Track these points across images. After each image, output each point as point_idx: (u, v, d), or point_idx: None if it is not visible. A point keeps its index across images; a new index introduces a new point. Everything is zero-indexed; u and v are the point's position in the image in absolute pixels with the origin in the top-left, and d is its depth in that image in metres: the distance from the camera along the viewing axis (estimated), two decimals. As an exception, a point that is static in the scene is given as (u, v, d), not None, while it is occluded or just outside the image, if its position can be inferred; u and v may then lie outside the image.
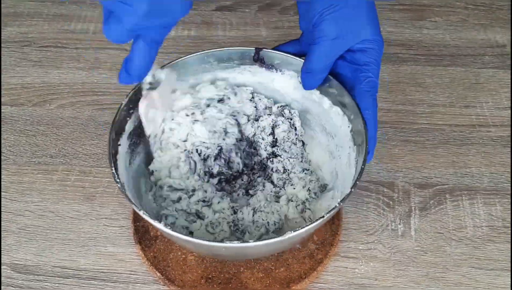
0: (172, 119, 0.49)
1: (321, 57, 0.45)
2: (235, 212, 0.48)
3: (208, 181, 0.49)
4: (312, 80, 0.46)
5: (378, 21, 0.45)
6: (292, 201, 0.49)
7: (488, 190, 0.55)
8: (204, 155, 0.49)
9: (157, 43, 0.40)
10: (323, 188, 0.51)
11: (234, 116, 0.51)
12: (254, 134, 0.51)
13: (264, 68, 0.50)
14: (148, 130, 0.47)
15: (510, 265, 0.49)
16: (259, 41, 0.69)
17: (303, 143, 0.52)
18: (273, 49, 0.50)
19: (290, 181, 0.50)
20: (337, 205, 0.40)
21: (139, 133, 0.48)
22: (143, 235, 0.51)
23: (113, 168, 0.42)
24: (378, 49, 0.45)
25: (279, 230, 0.48)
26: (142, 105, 0.46)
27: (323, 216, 0.39)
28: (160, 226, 0.39)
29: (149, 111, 0.47)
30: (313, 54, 0.45)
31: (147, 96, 0.46)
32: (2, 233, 0.52)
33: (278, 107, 0.52)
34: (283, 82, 0.51)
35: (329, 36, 0.43)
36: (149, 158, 0.50)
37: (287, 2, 0.75)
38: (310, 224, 0.39)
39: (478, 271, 0.49)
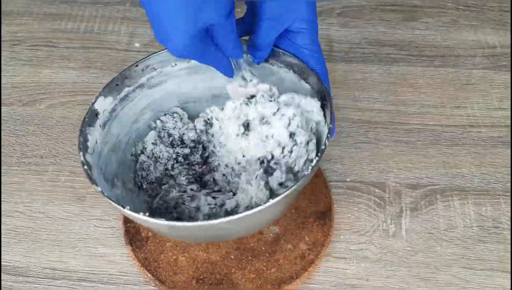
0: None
1: (264, 33, 0.47)
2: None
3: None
4: (258, 53, 0.49)
5: (315, 4, 0.48)
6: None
7: (479, 190, 0.55)
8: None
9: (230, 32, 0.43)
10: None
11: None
12: None
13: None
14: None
15: (500, 265, 0.50)
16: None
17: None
18: None
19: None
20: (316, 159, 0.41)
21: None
22: (134, 236, 0.50)
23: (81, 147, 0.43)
24: (313, 30, 0.48)
25: None
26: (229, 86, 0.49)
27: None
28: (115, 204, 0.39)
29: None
30: (257, 31, 0.47)
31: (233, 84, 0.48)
32: (-9, 234, 0.51)
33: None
34: None
35: (269, 14, 0.46)
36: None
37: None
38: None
39: (468, 271, 0.49)
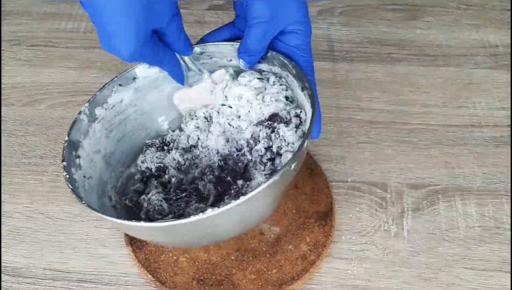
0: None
1: (256, 39, 0.46)
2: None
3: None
4: (250, 59, 0.48)
5: (306, 4, 0.47)
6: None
7: (481, 190, 0.55)
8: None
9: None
10: None
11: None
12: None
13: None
14: (184, 113, 0.52)
15: (502, 265, 0.49)
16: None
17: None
18: (205, 37, 0.50)
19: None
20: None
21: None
22: (134, 236, 0.50)
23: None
24: (307, 31, 0.46)
25: None
26: (176, 97, 0.50)
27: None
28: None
29: (182, 104, 0.51)
30: (248, 36, 0.46)
31: (182, 91, 0.49)
32: (-9, 235, 0.51)
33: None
34: None
35: (262, 18, 0.44)
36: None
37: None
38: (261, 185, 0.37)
39: (470, 271, 0.49)
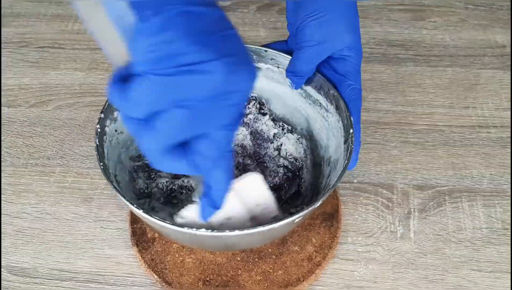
0: None
1: (304, 62, 0.46)
2: None
3: None
4: (297, 80, 0.48)
5: (359, 30, 0.46)
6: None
7: (488, 191, 0.54)
8: None
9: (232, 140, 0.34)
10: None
11: None
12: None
13: None
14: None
15: (510, 267, 0.49)
16: (258, 41, 0.69)
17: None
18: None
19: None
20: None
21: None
22: (140, 237, 0.50)
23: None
24: (357, 58, 0.46)
25: None
26: (180, 217, 0.41)
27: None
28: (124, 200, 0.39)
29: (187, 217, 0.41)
30: (296, 58, 0.46)
31: (183, 215, 0.41)
32: (-2, 235, 0.51)
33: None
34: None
35: (311, 42, 0.44)
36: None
37: (286, 2, 0.75)
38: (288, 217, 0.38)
39: (477, 273, 0.49)
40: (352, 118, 0.45)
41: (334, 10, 0.44)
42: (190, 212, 0.40)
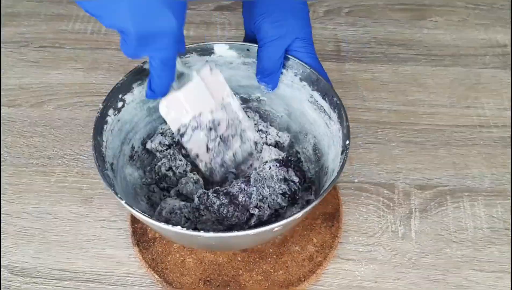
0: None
1: (265, 59, 0.48)
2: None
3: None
4: (266, 80, 0.50)
5: (309, 22, 0.49)
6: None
7: (489, 191, 0.54)
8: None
9: (168, 61, 0.41)
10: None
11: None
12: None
13: None
14: (173, 127, 0.47)
15: (511, 267, 0.49)
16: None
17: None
18: None
19: None
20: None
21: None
22: (141, 237, 0.50)
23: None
24: (310, 47, 0.49)
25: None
26: (163, 106, 0.45)
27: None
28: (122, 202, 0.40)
29: (172, 112, 0.46)
30: (258, 57, 0.49)
31: (170, 97, 0.45)
32: (-1, 235, 0.51)
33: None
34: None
35: (268, 39, 0.47)
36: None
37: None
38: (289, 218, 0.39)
39: (479, 273, 0.49)
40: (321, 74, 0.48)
41: (284, 6, 0.47)
42: (173, 99, 0.45)
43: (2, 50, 0.68)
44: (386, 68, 0.66)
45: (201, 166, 0.49)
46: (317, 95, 0.49)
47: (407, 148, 0.58)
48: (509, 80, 0.64)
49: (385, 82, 0.65)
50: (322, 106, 0.49)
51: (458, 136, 0.59)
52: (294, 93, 0.51)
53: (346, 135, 0.44)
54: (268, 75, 0.49)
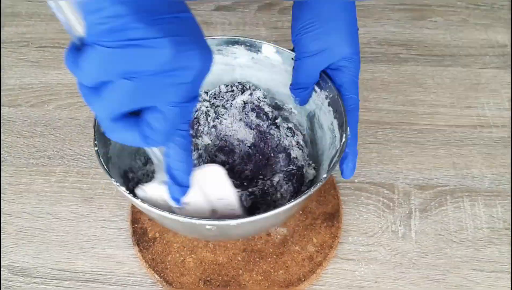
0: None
1: (302, 73, 0.46)
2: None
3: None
4: (299, 93, 0.48)
5: (357, 40, 0.46)
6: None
7: (489, 191, 0.54)
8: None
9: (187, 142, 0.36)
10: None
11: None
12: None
13: None
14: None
15: (510, 267, 0.49)
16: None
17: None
18: None
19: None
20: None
21: None
22: (141, 237, 0.50)
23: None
24: (355, 69, 0.45)
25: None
26: (140, 190, 0.41)
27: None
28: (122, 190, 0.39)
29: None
30: (295, 70, 0.47)
31: (145, 189, 0.41)
32: (-1, 235, 0.51)
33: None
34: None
35: (307, 53, 0.45)
36: None
37: (286, 2, 0.75)
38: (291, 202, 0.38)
39: (479, 273, 0.49)
40: (349, 129, 0.44)
41: (331, 20, 0.44)
42: (151, 189, 0.41)
43: (3, 50, 0.68)
44: (386, 68, 0.66)
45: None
46: (335, 124, 0.47)
47: (407, 148, 0.58)
48: (509, 80, 0.64)
49: (385, 82, 0.65)
50: (335, 136, 0.47)
51: (458, 136, 0.59)
52: (320, 116, 0.49)
53: (342, 132, 0.44)
54: (299, 88, 0.47)
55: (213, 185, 0.42)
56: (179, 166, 0.36)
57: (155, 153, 0.39)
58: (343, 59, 0.45)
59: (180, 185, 0.37)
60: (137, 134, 0.33)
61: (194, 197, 0.41)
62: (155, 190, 0.41)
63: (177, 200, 0.39)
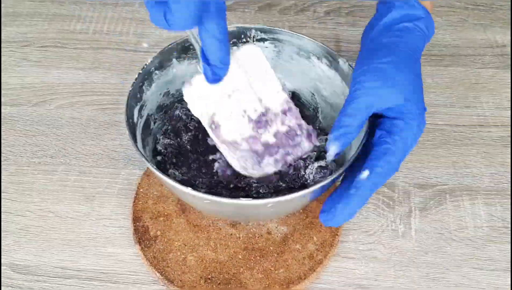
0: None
1: (353, 109, 0.40)
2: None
3: None
4: (341, 135, 0.40)
5: (422, 96, 0.40)
6: None
7: (489, 190, 0.55)
8: None
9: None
10: None
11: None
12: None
13: None
14: (195, 112, 0.44)
15: (510, 265, 0.49)
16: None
17: None
18: None
19: None
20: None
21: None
22: (142, 235, 0.51)
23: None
24: (409, 128, 0.39)
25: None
26: (186, 91, 0.43)
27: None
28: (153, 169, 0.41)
29: (197, 101, 0.42)
30: (345, 105, 0.40)
31: (192, 82, 0.42)
32: (2, 233, 0.52)
33: None
34: None
35: (364, 88, 0.40)
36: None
37: (287, 2, 0.75)
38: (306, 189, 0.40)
39: (478, 271, 0.49)
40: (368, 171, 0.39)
41: (398, 63, 0.40)
42: (198, 80, 0.42)
43: (4, 49, 0.69)
44: (386, 68, 0.66)
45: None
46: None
47: (407, 147, 0.58)
48: (509, 80, 0.65)
49: (385, 81, 0.65)
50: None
51: (458, 135, 0.59)
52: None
53: None
54: (342, 127, 0.39)
55: (252, 64, 0.42)
56: (212, 42, 0.36)
57: (196, 39, 0.39)
58: (397, 110, 0.39)
59: (213, 64, 0.37)
60: (162, 16, 0.34)
61: (239, 82, 0.42)
62: (202, 81, 0.41)
63: (217, 80, 0.38)
